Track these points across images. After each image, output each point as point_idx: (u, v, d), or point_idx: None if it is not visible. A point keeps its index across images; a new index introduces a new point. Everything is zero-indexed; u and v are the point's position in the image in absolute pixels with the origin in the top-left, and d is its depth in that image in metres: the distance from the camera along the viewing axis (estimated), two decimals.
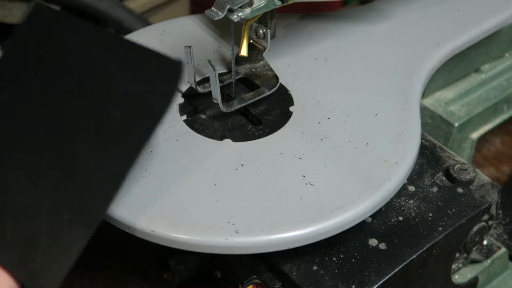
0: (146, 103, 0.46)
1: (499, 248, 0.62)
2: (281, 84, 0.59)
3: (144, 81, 0.47)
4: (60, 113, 0.48)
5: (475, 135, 0.69)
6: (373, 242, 0.52)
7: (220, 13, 0.52)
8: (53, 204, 0.47)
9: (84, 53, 0.49)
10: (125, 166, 0.46)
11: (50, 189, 0.47)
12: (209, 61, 0.55)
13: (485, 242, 0.62)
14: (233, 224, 0.48)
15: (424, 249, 0.52)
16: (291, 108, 0.57)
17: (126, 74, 0.47)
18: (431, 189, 0.55)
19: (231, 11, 0.52)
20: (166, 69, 0.46)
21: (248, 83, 0.60)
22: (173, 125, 0.56)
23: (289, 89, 0.59)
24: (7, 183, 0.48)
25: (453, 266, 0.58)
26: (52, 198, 0.47)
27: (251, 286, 0.52)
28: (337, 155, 0.53)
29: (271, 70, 0.60)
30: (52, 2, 0.85)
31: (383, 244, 0.52)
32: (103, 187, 0.46)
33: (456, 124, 0.66)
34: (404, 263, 0.51)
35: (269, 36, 0.60)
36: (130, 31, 0.76)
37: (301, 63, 0.61)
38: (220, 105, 0.56)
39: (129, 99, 0.47)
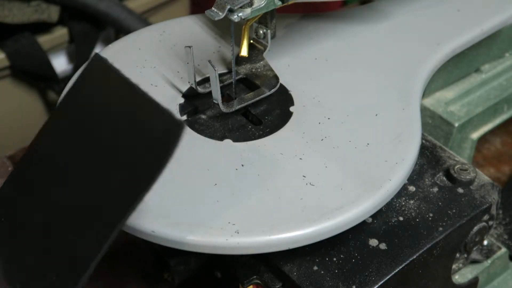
0: (142, 164, 0.45)
1: (500, 248, 0.62)
2: (281, 84, 0.59)
3: (145, 139, 0.46)
4: (76, 168, 0.49)
5: (475, 135, 0.69)
6: (373, 242, 0.52)
7: (220, 13, 0.52)
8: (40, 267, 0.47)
9: (110, 109, 0.49)
10: (108, 232, 0.45)
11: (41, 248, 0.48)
12: (210, 61, 0.55)
13: (485, 242, 0.62)
14: (234, 224, 0.48)
15: (425, 249, 0.52)
16: (291, 108, 0.57)
17: (133, 131, 0.47)
18: (431, 189, 0.55)
19: (231, 11, 0.52)
20: (168, 129, 0.45)
21: (248, 83, 0.60)
22: None
23: (289, 89, 0.59)
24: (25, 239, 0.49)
25: (454, 266, 0.58)
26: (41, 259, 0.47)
27: (251, 286, 0.52)
28: (337, 155, 0.53)
29: (271, 70, 0.60)
30: (52, 2, 0.85)
31: (384, 244, 0.52)
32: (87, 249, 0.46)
33: (456, 124, 0.66)
34: (405, 263, 0.51)
35: (269, 36, 0.60)
36: (130, 31, 0.76)
37: (301, 63, 0.61)
38: (221, 105, 0.56)
39: (129, 157, 0.46)
